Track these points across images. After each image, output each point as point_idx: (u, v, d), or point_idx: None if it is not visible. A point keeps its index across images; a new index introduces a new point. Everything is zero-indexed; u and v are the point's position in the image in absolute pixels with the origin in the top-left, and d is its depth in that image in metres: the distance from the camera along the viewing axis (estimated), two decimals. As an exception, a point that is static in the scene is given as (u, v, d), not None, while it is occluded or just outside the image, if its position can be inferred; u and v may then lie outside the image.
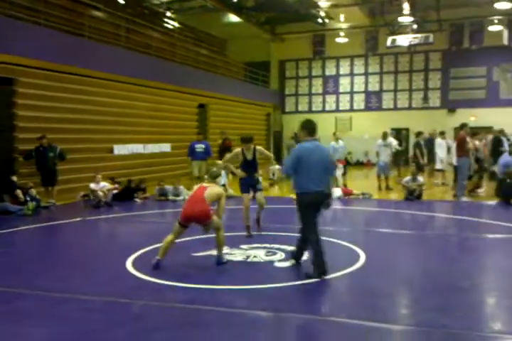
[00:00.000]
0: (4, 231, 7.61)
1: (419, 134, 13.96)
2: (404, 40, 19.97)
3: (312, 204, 5.05)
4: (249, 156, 7.13)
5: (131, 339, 3.58)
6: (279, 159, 17.53)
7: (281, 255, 5.74)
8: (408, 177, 11.07)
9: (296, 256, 5.47)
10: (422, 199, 10.77)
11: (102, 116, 12.64)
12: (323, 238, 6.80)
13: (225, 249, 5.77)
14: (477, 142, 11.62)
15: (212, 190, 5.45)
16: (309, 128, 5.14)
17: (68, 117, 11.58)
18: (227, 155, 7.19)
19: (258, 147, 7.35)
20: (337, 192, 11.04)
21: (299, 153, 5.05)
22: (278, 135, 24.55)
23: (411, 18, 19.08)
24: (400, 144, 14.80)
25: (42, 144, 10.04)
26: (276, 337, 3.64)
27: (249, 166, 7.16)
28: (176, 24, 20.16)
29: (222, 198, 5.51)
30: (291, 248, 6.10)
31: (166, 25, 20.01)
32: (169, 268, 5.28)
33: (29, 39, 10.44)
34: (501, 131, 15.55)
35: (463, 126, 10.95)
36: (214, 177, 5.82)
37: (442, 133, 14.38)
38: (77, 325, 3.82)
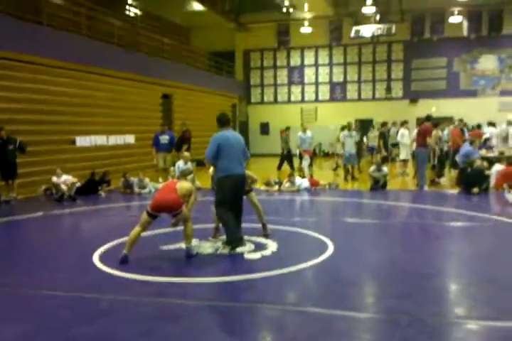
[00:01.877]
0: (-38, 227, 7.34)
1: (383, 125, 14.11)
2: (367, 31, 20.20)
3: (234, 185, 5.62)
4: None
5: (100, 335, 3.51)
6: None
7: (250, 246, 5.75)
8: (373, 167, 11.25)
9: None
10: (386, 188, 10.98)
11: (63, 106, 12.24)
12: (293, 229, 6.85)
13: (194, 242, 5.75)
14: (440, 132, 11.86)
15: (183, 184, 5.51)
16: (221, 121, 5.81)
17: (28, 108, 11.16)
18: None
19: None
20: (304, 183, 11.14)
21: (218, 141, 5.59)
22: (244, 126, 24.51)
23: (374, 9, 19.29)
24: (361, 137, 14.75)
25: (0, 136, 9.70)
26: (247, 328, 3.66)
27: None
28: (139, 12, 19.70)
29: (192, 194, 5.57)
30: (259, 239, 6.14)
31: (128, 13, 19.52)
32: (138, 262, 5.21)
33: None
34: (461, 120, 16.00)
35: (428, 117, 11.15)
36: (185, 175, 5.85)
37: (403, 123, 14.09)
38: (44, 322, 3.73)
